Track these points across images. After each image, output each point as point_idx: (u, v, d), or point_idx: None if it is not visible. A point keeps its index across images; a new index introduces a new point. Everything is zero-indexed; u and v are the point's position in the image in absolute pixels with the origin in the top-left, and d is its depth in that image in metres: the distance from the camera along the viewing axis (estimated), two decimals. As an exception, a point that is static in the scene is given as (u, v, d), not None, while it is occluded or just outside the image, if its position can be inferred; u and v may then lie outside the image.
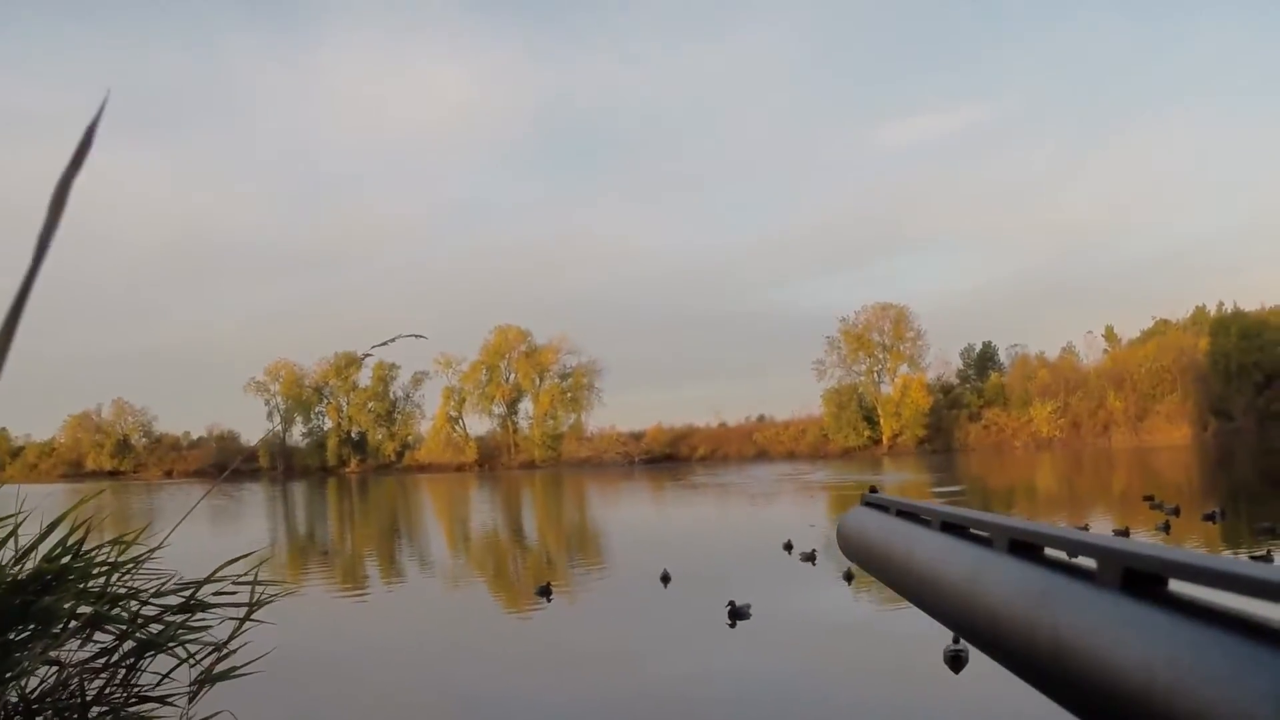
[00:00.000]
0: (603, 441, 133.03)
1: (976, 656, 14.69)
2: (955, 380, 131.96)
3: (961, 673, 13.73)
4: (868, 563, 1.14)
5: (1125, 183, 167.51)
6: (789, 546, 27.18)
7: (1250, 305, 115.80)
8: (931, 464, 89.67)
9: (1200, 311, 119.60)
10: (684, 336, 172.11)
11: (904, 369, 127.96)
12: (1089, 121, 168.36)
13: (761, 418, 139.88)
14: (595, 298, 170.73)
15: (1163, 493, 38.91)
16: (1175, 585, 0.59)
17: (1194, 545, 27.95)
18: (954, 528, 0.95)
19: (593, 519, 49.28)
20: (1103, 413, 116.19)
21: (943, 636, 14.66)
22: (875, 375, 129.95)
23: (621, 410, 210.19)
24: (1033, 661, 0.67)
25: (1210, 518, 31.01)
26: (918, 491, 58.57)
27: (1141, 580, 0.61)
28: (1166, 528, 29.04)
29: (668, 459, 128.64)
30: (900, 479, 70.77)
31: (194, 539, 11.19)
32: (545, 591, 20.03)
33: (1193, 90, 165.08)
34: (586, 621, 18.34)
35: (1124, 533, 29.35)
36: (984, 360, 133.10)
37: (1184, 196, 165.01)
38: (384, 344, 6.11)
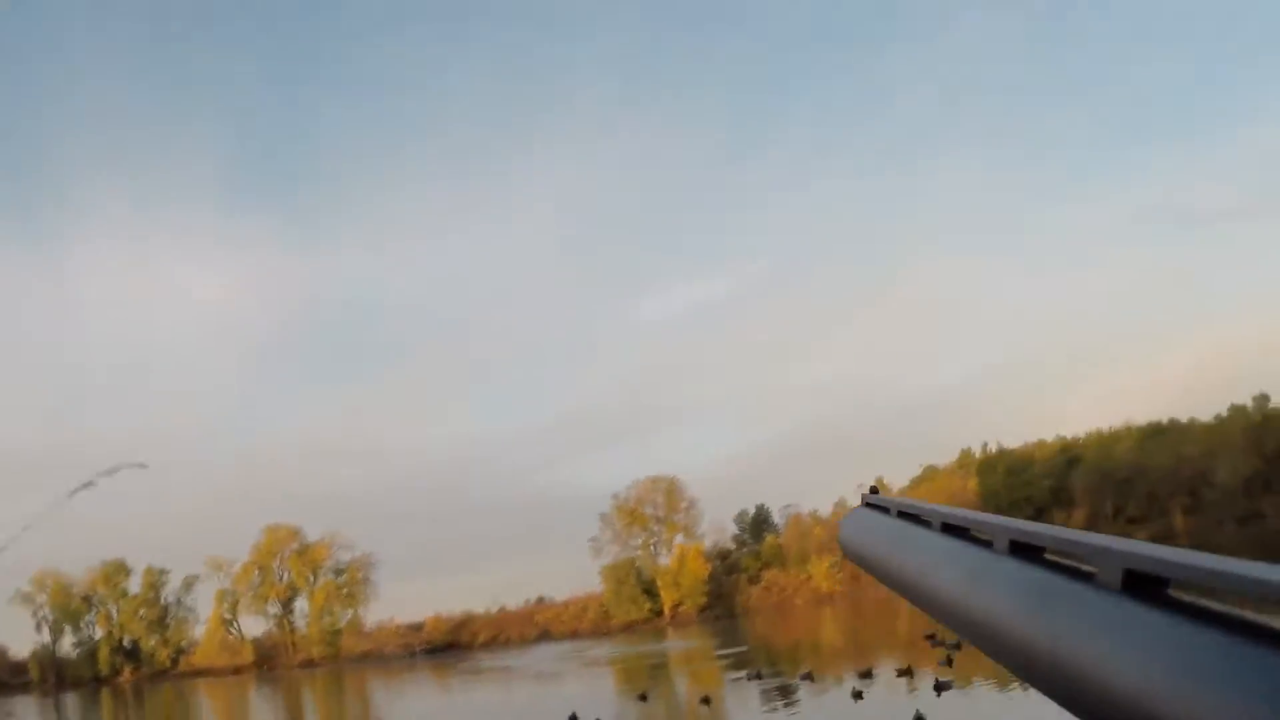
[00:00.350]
0: (382, 635, 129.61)
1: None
2: (732, 545, 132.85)
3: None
4: (868, 563, 1.15)
5: (886, 333, 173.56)
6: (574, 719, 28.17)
7: (1013, 443, 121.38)
8: (716, 629, 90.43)
9: (966, 454, 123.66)
10: (460, 523, 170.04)
11: (680, 539, 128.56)
12: (848, 276, 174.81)
13: (541, 599, 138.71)
14: (369, 488, 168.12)
15: (945, 630, 40.05)
16: (1176, 587, 0.59)
17: (978, 676, 29.05)
18: (955, 529, 0.94)
19: (375, 715, 48.85)
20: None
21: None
22: (652, 547, 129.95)
23: (400, 602, 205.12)
24: (1033, 663, 0.67)
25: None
26: (703, 656, 59.15)
27: (1142, 582, 0.60)
28: (949, 661, 30.33)
29: (450, 648, 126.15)
30: (685, 646, 71.43)
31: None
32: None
33: (945, 239, 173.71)
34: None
35: (907, 672, 30.77)
36: (758, 523, 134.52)
37: (943, 342, 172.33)
38: (105, 473, 6.20)
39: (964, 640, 0.85)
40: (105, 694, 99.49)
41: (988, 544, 0.84)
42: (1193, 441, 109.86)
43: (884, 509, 1.17)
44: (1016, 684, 25.09)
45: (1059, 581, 0.68)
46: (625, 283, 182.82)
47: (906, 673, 30.12)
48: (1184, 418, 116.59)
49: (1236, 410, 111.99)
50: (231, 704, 69.03)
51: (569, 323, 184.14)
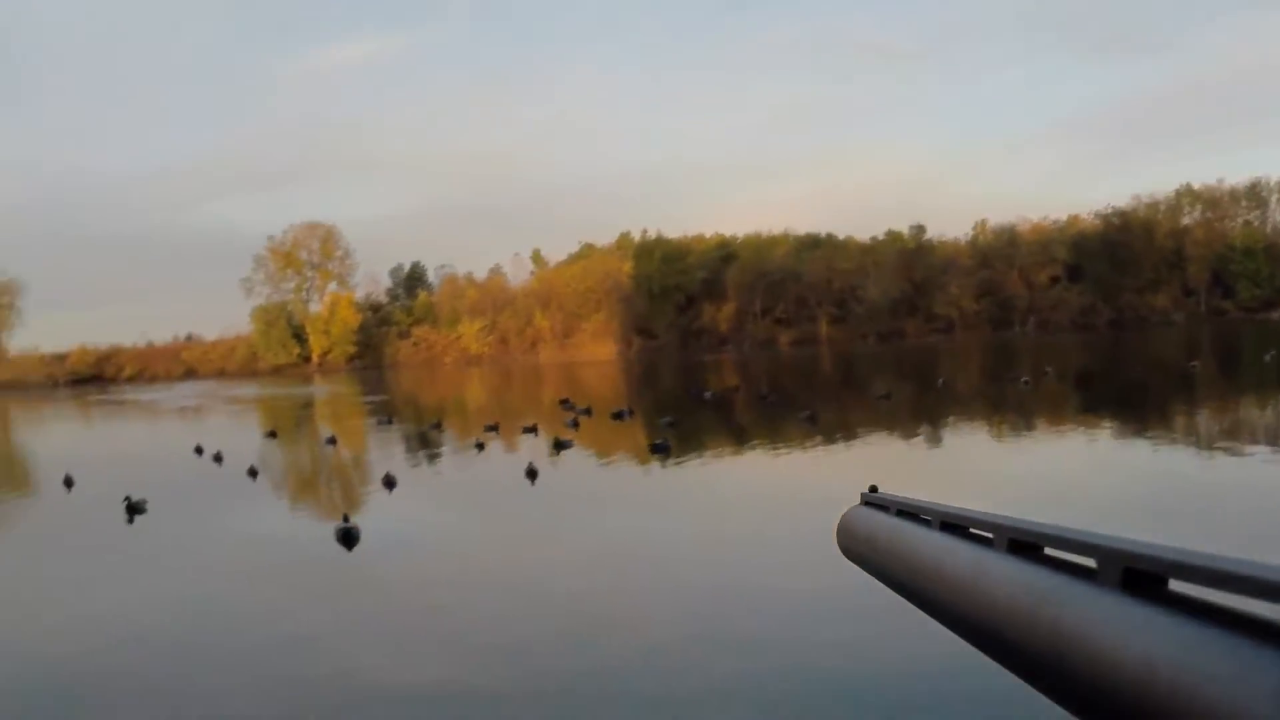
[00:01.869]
0: (25, 364, 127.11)
1: (369, 531, 15.83)
2: (385, 299, 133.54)
3: (354, 550, 15.04)
4: (867, 562, 1.15)
5: (553, 115, 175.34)
6: (199, 450, 29.02)
7: (673, 233, 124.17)
8: (362, 379, 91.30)
9: (625, 237, 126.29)
10: (110, 256, 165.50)
11: (333, 287, 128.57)
12: (522, 56, 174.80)
13: (190, 337, 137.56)
14: (16, 214, 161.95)
15: (584, 399, 42.09)
16: (1175, 584, 0.59)
17: (599, 433, 30.77)
18: (954, 527, 0.95)
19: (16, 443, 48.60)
20: (530, 330, 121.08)
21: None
22: (304, 294, 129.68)
23: (44, 332, 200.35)
24: (1033, 661, 0.66)
25: (618, 416, 34.59)
26: (346, 403, 60.04)
27: (1142, 579, 0.60)
28: (575, 424, 32.18)
29: (94, 380, 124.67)
30: (330, 391, 72.24)
31: None
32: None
33: (610, 35, 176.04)
34: None
35: (533, 429, 31.98)
36: (413, 280, 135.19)
37: (609, 132, 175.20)
38: None
39: (965, 639, 0.82)
40: None
41: (987, 542, 0.84)
42: (847, 257, 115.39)
43: (883, 507, 1.18)
44: (626, 453, 26.73)
45: (1058, 579, 0.68)
46: (305, 27, 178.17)
47: (532, 430, 31.30)
48: (841, 234, 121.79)
49: (893, 235, 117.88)
50: None
51: (243, 61, 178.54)
